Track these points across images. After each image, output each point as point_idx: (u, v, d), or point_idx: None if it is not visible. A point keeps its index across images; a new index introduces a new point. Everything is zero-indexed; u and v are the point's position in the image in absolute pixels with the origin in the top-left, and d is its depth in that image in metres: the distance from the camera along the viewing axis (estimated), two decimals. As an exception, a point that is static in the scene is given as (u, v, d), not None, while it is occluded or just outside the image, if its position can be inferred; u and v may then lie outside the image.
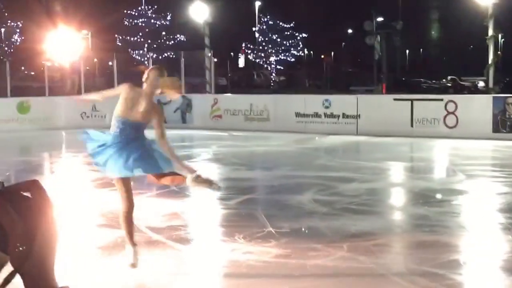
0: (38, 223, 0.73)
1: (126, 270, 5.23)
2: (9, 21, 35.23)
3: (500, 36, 59.67)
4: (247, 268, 5.32)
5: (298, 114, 17.52)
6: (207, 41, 21.56)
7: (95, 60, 32.85)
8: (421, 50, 70.07)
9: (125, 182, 5.21)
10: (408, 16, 50.48)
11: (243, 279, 5.04)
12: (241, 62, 62.95)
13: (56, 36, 24.47)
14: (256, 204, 7.78)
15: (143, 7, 48.15)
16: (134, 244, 5.21)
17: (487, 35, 17.16)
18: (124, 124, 5.08)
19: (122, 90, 5.17)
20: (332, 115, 17.05)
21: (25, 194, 0.78)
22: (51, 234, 0.75)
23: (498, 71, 20.20)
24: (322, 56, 63.28)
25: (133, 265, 5.16)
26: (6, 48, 36.52)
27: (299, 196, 8.23)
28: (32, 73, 30.42)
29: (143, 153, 5.09)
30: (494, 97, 15.58)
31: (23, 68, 33.23)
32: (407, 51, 67.99)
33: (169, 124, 19.43)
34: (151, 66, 5.43)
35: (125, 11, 46.35)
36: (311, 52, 67.94)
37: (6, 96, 19.81)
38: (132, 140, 5.11)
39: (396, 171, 11.27)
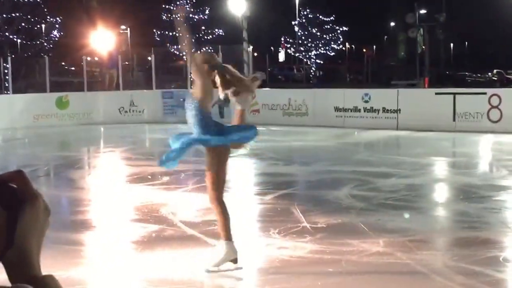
0: (21, 213, 0.76)
1: (159, 265, 5.32)
2: (48, 17, 35.94)
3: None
4: (281, 263, 5.35)
5: (337, 109, 17.45)
6: (245, 35, 21.67)
7: (134, 55, 33.29)
8: (466, 43, 68.83)
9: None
10: (453, 8, 49.63)
11: (277, 274, 5.07)
12: (281, 57, 62.87)
13: (95, 32, 24.91)
14: (292, 199, 7.80)
15: (181, 1, 48.54)
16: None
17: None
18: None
19: None
20: (372, 110, 16.92)
21: (10, 184, 0.83)
22: (35, 223, 0.78)
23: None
24: (364, 50, 62.72)
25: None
26: (45, 44, 37.24)
27: (336, 191, 8.22)
28: (72, 68, 30.99)
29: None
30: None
31: (63, 63, 33.93)
32: (452, 45, 66.83)
33: (207, 119, 19.64)
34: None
35: (163, 6, 46.75)
36: (352, 46, 67.40)
37: (45, 91, 20.25)
38: None
39: (437, 167, 11.13)
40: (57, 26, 38.01)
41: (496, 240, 5.86)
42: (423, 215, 6.96)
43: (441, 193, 8.88)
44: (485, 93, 15.74)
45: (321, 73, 56.39)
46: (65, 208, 8.38)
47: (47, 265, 4.11)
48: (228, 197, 8.28)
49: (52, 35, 38.09)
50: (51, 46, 38.04)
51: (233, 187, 9.19)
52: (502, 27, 55.98)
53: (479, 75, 49.84)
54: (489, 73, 51.53)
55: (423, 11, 43.39)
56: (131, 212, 7.59)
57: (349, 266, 5.15)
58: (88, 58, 26.55)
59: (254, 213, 7.43)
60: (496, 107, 15.27)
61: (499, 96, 15.36)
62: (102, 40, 26.84)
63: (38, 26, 36.34)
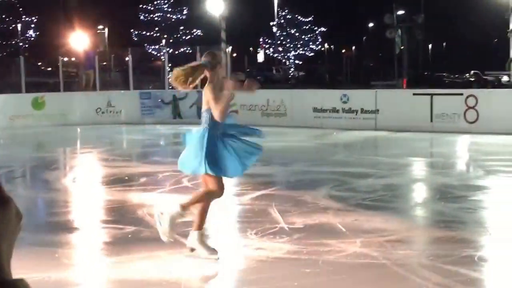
0: None
1: (135, 266, 5.32)
2: (23, 16, 35.59)
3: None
4: (258, 264, 5.37)
5: (315, 109, 17.53)
6: (223, 35, 21.67)
7: (112, 55, 33.12)
8: (444, 44, 69.53)
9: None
10: (431, 9, 50.10)
11: (254, 275, 5.09)
12: (261, 57, 63.00)
13: (72, 31, 24.72)
14: (270, 200, 7.82)
15: (159, 1, 48.35)
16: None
17: (509, 28, 17.04)
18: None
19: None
20: (350, 110, 17.03)
21: None
22: (6, 228, 0.78)
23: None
24: (343, 51, 63.12)
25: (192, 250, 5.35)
26: (21, 44, 36.90)
27: (314, 191, 8.27)
28: (49, 68, 30.74)
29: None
30: (516, 91, 15.49)
31: (39, 63, 33.62)
32: (430, 46, 67.49)
33: (185, 120, 19.61)
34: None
35: (140, 6, 46.55)
36: (331, 46, 67.78)
37: (21, 92, 20.06)
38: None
39: (414, 167, 11.25)
40: (32, 25, 37.68)
41: (471, 240, 5.94)
42: (399, 215, 7.03)
43: (418, 193, 8.98)
44: (461, 94, 15.94)
45: (300, 73, 56.58)
46: (41, 209, 8.32)
47: (22, 267, 4.10)
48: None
49: (28, 34, 37.75)
50: (26, 46, 37.70)
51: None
52: (480, 28, 56.67)
53: (456, 76, 50.38)
54: (467, 74, 52.11)
55: (401, 12, 43.75)
56: (107, 213, 7.56)
57: (326, 267, 5.19)
58: (66, 59, 26.34)
59: (232, 214, 7.44)
60: (473, 107, 15.47)
61: (475, 97, 15.56)
62: (79, 40, 26.64)
63: (13, 25, 36.00)
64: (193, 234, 5.38)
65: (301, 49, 59.82)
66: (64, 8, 38.48)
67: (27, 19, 36.10)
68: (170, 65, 23.77)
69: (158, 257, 5.52)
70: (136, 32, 47.15)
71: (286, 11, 58.68)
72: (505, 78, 40.14)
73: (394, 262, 5.25)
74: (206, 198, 5.40)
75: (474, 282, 4.88)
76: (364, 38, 67.15)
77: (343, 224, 6.51)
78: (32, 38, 37.98)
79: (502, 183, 9.21)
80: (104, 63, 29.17)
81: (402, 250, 5.59)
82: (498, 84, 41.54)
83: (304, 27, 59.31)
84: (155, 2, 47.54)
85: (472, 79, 48.01)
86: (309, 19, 59.19)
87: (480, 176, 9.72)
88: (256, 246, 5.81)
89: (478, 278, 4.97)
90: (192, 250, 5.41)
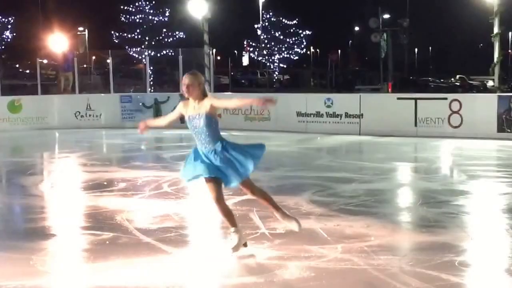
0: None
1: (112, 273, 5.32)
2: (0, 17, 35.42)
3: (510, 34, 59.63)
4: (238, 269, 5.40)
5: (299, 114, 17.62)
6: (206, 38, 21.65)
7: (92, 57, 33.01)
8: (430, 48, 70.11)
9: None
10: (417, 13, 50.51)
11: (233, 281, 5.12)
12: (245, 60, 63.11)
13: (50, 33, 24.60)
14: (251, 205, 7.83)
15: (140, 2, 48.26)
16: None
17: (493, 33, 17.24)
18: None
19: (181, 108, 5.77)
20: (334, 115, 17.14)
21: None
22: None
23: (506, 69, 20.26)
24: (329, 55, 63.41)
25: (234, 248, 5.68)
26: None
27: (296, 197, 8.32)
28: (27, 71, 30.55)
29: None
30: (499, 96, 15.68)
31: (16, 65, 33.39)
32: (416, 50, 68.00)
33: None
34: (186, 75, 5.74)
35: (121, 7, 46.39)
36: (317, 50, 68.06)
37: (-4, 95, 19.94)
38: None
39: (398, 172, 11.35)
40: (9, 26, 37.41)
41: (453, 245, 6.02)
42: (382, 220, 7.09)
43: (400, 198, 9.06)
44: (446, 99, 16.10)
45: (285, 77, 56.71)
46: (17, 215, 8.27)
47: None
48: (185, 204, 8.33)
49: (4, 35, 37.48)
50: (3, 47, 37.43)
51: (191, 193, 9.20)
52: (465, 33, 57.22)
53: (442, 80, 50.85)
54: (452, 79, 52.59)
55: (386, 16, 44.06)
56: (84, 219, 7.54)
57: (306, 272, 5.23)
58: (45, 61, 26.20)
59: (212, 219, 7.46)
60: (457, 112, 15.64)
61: (459, 102, 15.74)
62: (58, 41, 26.51)
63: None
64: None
65: (286, 52, 59.99)
66: (42, 8, 38.30)
67: (3, 19, 35.84)
68: (151, 68, 23.76)
69: (136, 264, 5.52)
70: (117, 34, 47.04)
71: (271, 13, 58.81)
72: (490, 83, 40.56)
73: (375, 268, 5.30)
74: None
75: (455, 287, 4.94)
76: (350, 42, 67.52)
77: (325, 230, 6.56)
78: (9, 40, 37.70)
79: (485, 188, 9.32)
80: (84, 66, 29.07)
81: (383, 255, 5.65)
82: (484, 89, 42.00)
83: (289, 30, 59.49)
84: (137, 4, 47.47)
85: (458, 84, 48.47)
86: (294, 22, 59.37)
87: (463, 181, 9.83)
88: (237, 252, 5.83)
89: (459, 283, 5.04)
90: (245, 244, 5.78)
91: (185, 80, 5.62)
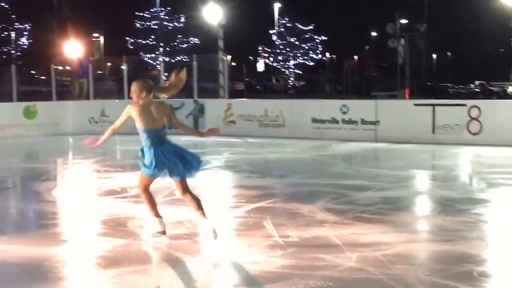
0: None
1: (124, 279, 5.30)
2: (16, 24, 35.73)
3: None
4: (251, 278, 5.35)
5: (314, 120, 17.55)
6: (221, 43, 21.72)
7: (109, 64, 33.22)
8: (448, 54, 69.74)
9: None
10: (435, 18, 50.26)
11: (246, 290, 5.08)
12: (260, 66, 63.08)
13: (66, 39, 24.77)
14: (265, 213, 7.81)
15: (156, 8, 48.48)
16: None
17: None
18: (151, 134, 6.22)
19: (130, 111, 6.26)
20: (350, 121, 17.05)
21: None
22: None
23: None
24: (344, 60, 63.28)
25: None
26: (13, 52, 37.02)
27: (311, 204, 8.26)
28: (43, 77, 30.81)
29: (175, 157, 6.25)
30: (519, 102, 15.50)
31: (32, 72, 33.67)
32: (435, 56, 67.66)
33: (181, 130, 19.58)
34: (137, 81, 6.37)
35: (137, 13, 46.67)
36: (333, 56, 67.94)
37: (12, 101, 20.06)
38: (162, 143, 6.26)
39: (415, 179, 11.24)
40: (26, 33, 37.79)
41: (471, 254, 5.93)
42: (398, 228, 7.01)
43: (417, 206, 8.96)
44: (464, 105, 15.94)
45: (300, 83, 56.64)
46: (30, 222, 8.30)
47: (7, 281, 4.10)
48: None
49: (21, 42, 37.87)
50: (19, 54, 37.81)
51: (205, 200, 9.17)
52: (485, 37, 56.83)
53: (461, 86, 50.50)
54: (472, 85, 52.23)
55: (404, 21, 43.86)
56: (97, 225, 7.54)
57: (320, 282, 5.17)
58: (60, 68, 26.39)
59: (225, 227, 7.42)
60: (476, 119, 15.48)
61: (478, 108, 15.57)
62: (73, 48, 26.69)
63: (6, 33, 36.12)
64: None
65: (301, 58, 59.97)
66: (58, 15, 38.61)
67: (20, 26, 36.22)
68: (166, 74, 23.82)
69: (148, 271, 5.50)
70: (132, 40, 47.27)
71: (286, 19, 58.85)
72: (510, 89, 40.23)
73: (391, 277, 5.23)
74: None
75: (472, 298, 4.87)
76: (366, 47, 67.32)
77: (340, 238, 6.50)
78: (25, 46, 38.07)
79: (505, 197, 9.20)
80: (100, 72, 29.24)
81: (399, 265, 5.58)
82: (504, 95, 41.65)
83: (305, 35, 59.47)
84: (152, 10, 47.67)
85: (477, 90, 48.10)
86: (310, 27, 59.36)
87: (483, 189, 9.71)
88: (249, 260, 5.79)
89: (477, 294, 4.96)
90: None
91: (133, 87, 6.24)
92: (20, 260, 5.89)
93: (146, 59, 41.59)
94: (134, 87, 6.25)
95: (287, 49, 59.16)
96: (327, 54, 67.19)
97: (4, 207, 8.92)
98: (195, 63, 21.26)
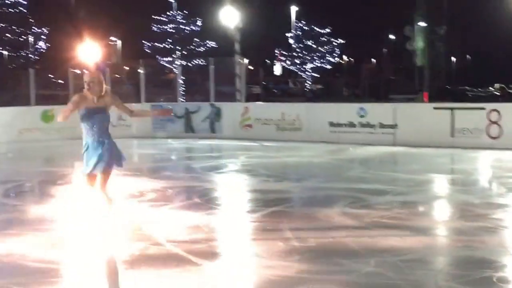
0: None
1: (143, 284, 5.33)
2: (34, 28, 36.08)
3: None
4: (268, 283, 5.36)
5: (331, 124, 17.52)
6: (237, 47, 21.75)
7: (127, 68, 33.43)
8: (468, 57, 69.26)
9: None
10: (454, 21, 49.93)
11: (263, 294, 5.09)
12: (278, 70, 63.07)
13: (83, 43, 24.97)
14: (282, 217, 7.81)
15: (172, 12, 48.73)
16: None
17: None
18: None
19: (77, 100, 6.64)
20: (367, 125, 17.00)
21: None
22: None
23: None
24: (362, 63, 63.05)
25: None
26: (31, 56, 37.39)
27: (328, 209, 8.25)
28: (60, 81, 31.04)
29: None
30: (541, 106, 15.36)
31: (50, 75, 33.98)
32: (453, 58, 67.20)
33: (198, 134, 19.69)
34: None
35: (154, 17, 46.94)
36: (350, 59, 67.74)
37: (30, 105, 20.25)
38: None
39: (434, 184, 11.18)
40: (43, 37, 38.14)
41: (491, 260, 5.89)
42: (416, 233, 6.98)
43: (436, 211, 8.91)
44: (484, 108, 15.82)
45: (317, 86, 56.55)
46: (46, 224, 8.37)
47: (22, 283, 4.14)
48: (215, 216, 8.33)
49: (38, 46, 38.22)
50: (37, 58, 38.17)
51: (222, 204, 9.22)
52: (505, 40, 56.35)
53: (480, 89, 50.11)
54: (491, 88, 51.82)
55: (422, 24, 43.63)
56: (115, 229, 7.58)
57: (338, 287, 5.17)
58: (78, 71, 26.56)
59: (242, 231, 7.44)
60: (496, 122, 15.36)
61: (498, 111, 15.45)
62: (90, 52, 26.88)
63: (24, 37, 36.47)
64: None
65: (318, 61, 59.89)
66: (74, 19, 38.94)
67: (38, 30, 36.59)
68: (183, 77, 23.93)
69: (165, 275, 5.53)
70: (149, 44, 47.54)
71: (303, 22, 58.82)
72: (531, 92, 39.82)
73: (410, 283, 5.22)
74: None
75: (492, 304, 4.84)
76: (385, 50, 67.04)
77: (357, 243, 6.48)
78: (43, 50, 38.45)
79: (525, 201, 9.12)
80: (117, 75, 29.42)
81: (418, 270, 5.56)
82: (524, 98, 41.21)
83: (322, 38, 59.39)
84: (169, 13, 47.92)
85: (497, 93, 47.71)
86: (327, 30, 59.27)
87: (502, 194, 9.64)
88: (266, 264, 5.80)
89: (497, 300, 4.93)
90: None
91: (86, 77, 6.55)
92: (40, 264, 5.94)
93: (163, 62, 41.79)
94: (89, 77, 6.64)
95: (304, 52, 59.10)
96: (345, 57, 67.07)
97: (21, 211, 9.01)
98: (212, 66, 21.31)
